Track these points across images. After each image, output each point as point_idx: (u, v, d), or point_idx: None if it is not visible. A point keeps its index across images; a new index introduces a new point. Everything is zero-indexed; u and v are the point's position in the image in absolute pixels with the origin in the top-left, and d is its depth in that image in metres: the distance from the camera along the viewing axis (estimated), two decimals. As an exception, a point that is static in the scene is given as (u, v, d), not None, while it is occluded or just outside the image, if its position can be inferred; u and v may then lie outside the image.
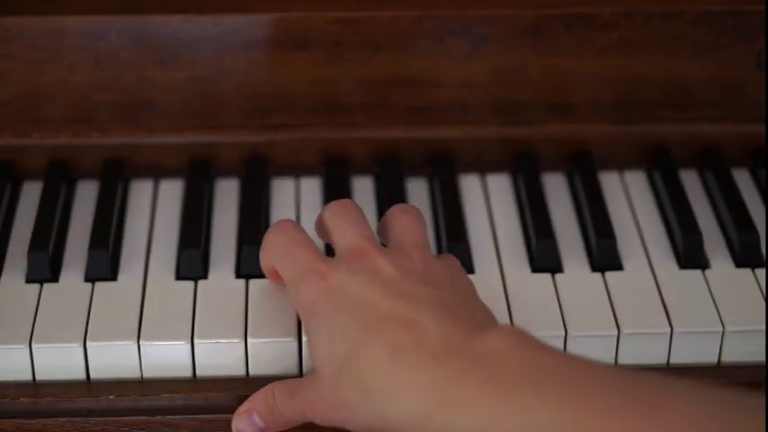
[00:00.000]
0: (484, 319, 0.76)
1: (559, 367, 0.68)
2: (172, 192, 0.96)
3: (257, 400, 0.79)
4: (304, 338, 0.83)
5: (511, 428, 0.66)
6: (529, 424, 0.66)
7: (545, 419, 0.65)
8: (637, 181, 0.98)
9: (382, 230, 0.82)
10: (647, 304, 0.86)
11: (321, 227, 0.83)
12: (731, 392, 0.65)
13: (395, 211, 0.82)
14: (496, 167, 0.98)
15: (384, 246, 0.80)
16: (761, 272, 0.89)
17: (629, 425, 0.64)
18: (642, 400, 0.64)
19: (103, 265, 0.88)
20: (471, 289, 0.79)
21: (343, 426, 0.74)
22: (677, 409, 0.64)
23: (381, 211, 0.94)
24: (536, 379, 0.67)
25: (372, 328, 0.72)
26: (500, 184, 0.98)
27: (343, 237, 0.79)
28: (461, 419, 0.68)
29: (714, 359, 0.85)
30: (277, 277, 0.82)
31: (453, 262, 0.81)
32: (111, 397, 0.82)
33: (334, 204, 0.82)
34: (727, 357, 0.85)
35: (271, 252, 0.81)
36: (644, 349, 0.84)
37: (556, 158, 0.98)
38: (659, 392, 0.65)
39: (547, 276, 0.89)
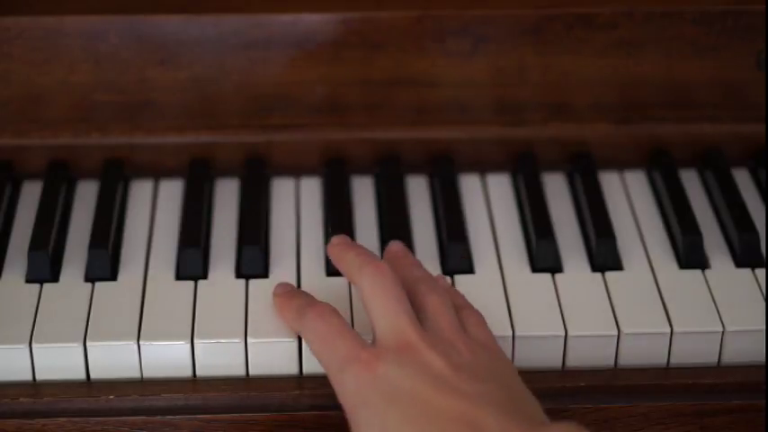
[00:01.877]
0: (536, 414, 0.74)
1: None
2: (172, 192, 0.96)
3: None
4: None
5: None
6: None
7: None
8: (637, 181, 0.98)
9: (411, 303, 0.79)
10: (647, 304, 0.86)
11: (345, 273, 0.81)
12: None
13: (422, 290, 0.80)
14: (496, 167, 0.98)
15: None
16: (761, 272, 0.89)
17: None
18: None
19: (103, 265, 0.88)
20: (515, 375, 0.77)
21: None
22: None
23: (381, 211, 0.94)
24: None
25: (429, 424, 0.71)
26: (500, 184, 0.98)
27: (385, 319, 0.77)
28: None
29: (714, 359, 0.85)
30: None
31: (494, 346, 0.79)
32: (111, 397, 0.82)
33: (370, 270, 0.79)
34: (727, 357, 0.85)
35: (308, 337, 0.79)
36: (644, 349, 0.84)
37: (556, 158, 0.98)
38: None
39: (547, 276, 0.89)
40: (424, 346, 0.75)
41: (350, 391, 0.75)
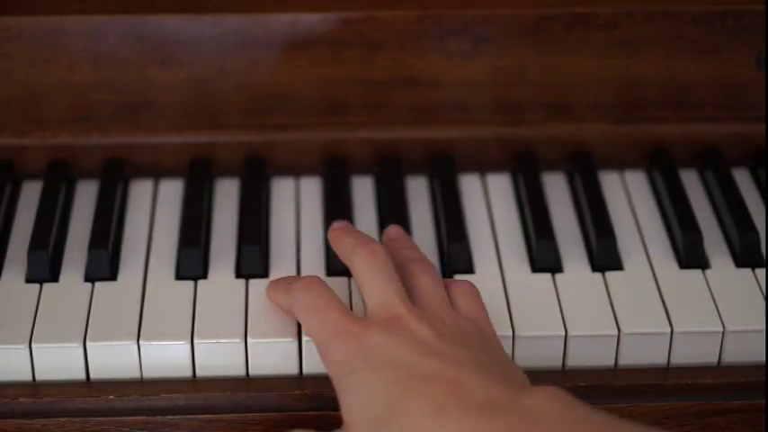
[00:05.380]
0: (519, 379, 0.76)
1: (603, 428, 0.69)
2: (172, 192, 0.96)
3: None
4: (304, 338, 0.83)
5: None
6: None
7: None
8: (637, 181, 0.98)
9: (406, 289, 0.81)
10: (647, 304, 0.86)
11: (340, 255, 0.83)
12: None
13: (414, 270, 0.82)
14: (496, 167, 0.98)
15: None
16: (761, 272, 0.89)
17: None
18: None
19: (103, 265, 0.88)
20: (501, 347, 0.79)
21: None
22: None
23: (381, 211, 0.94)
24: None
25: (414, 387, 0.72)
26: (500, 184, 0.98)
27: (375, 295, 0.78)
28: None
29: (714, 359, 0.85)
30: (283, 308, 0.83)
31: (483, 319, 0.80)
32: (111, 397, 0.82)
33: (364, 251, 0.81)
34: (728, 357, 0.85)
35: (297, 310, 0.80)
36: (644, 349, 0.84)
37: (556, 158, 0.98)
38: None
39: (547, 276, 0.89)
40: (412, 317, 0.76)
41: (338, 361, 0.76)
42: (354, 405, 0.74)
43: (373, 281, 0.79)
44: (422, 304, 0.79)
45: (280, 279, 0.86)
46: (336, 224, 0.87)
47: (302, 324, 0.80)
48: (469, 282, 0.83)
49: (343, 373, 0.75)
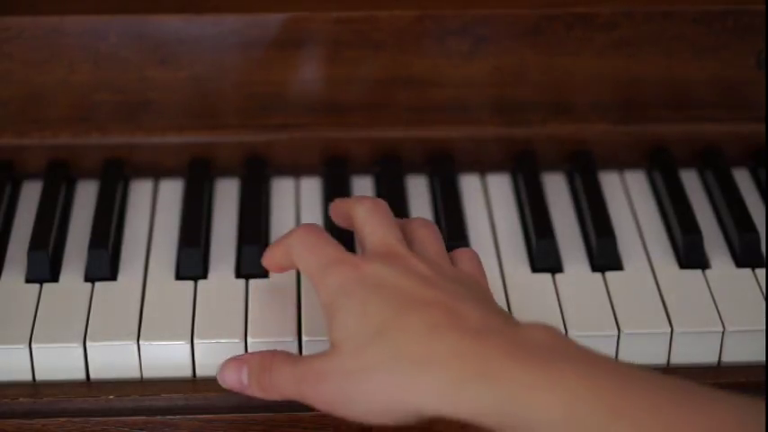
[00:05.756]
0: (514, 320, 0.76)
1: (596, 358, 0.69)
2: (172, 192, 0.96)
3: (253, 357, 0.78)
4: (304, 338, 0.83)
5: (550, 401, 0.66)
6: (568, 398, 0.66)
7: (584, 393, 0.66)
8: (637, 181, 0.98)
9: (405, 240, 0.82)
10: (648, 304, 0.86)
11: (345, 217, 0.83)
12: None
13: (416, 224, 0.82)
14: (496, 167, 0.98)
15: None
16: (761, 272, 0.89)
17: (669, 410, 0.64)
18: (685, 393, 0.66)
19: (103, 265, 0.88)
20: (498, 305, 0.79)
21: (335, 401, 0.73)
22: (712, 412, 0.64)
23: (381, 210, 0.94)
24: (575, 360, 0.68)
25: (410, 307, 0.72)
26: (500, 184, 0.98)
27: (375, 234, 0.79)
28: (494, 389, 0.68)
29: (714, 359, 0.85)
30: (281, 271, 0.82)
31: (481, 278, 0.81)
32: (111, 397, 0.82)
33: (367, 201, 0.81)
34: (728, 357, 0.85)
35: (295, 248, 0.79)
36: (644, 349, 0.84)
37: (556, 158, 0.98)
38: (699, 392, 0.66)
39: (547, 276, 0.89)
40: (411, 256, 0.77)
41: (332, 287, 0.75)
42: (344, 324, 0.73)
43: (374, 223, 0.79)
44: (419, 252, 0.79)
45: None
46: (336, 199, 0.87)
47: (299, 263, 0.79)
48: (472, 249, 0.83)
49: (337, 297, 0.75)
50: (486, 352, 0.69)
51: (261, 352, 0.78)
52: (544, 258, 0.89)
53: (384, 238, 0.78)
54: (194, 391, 0.83)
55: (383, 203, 0.81)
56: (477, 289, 0.77)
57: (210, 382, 0.83)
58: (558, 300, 0.86)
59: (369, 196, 0.84)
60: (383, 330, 0.72)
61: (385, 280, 0.74)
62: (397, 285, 0.74)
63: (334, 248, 0.78)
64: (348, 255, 0.77)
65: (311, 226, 0.80)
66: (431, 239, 0.81)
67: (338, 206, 0.85)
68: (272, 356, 0.77)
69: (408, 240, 0.80)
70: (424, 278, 0.75)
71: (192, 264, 0.88)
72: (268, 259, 0.84)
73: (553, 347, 0.69)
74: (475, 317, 0.72)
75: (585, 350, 0.70)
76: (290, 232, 0.81)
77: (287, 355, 0.77)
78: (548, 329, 0.71)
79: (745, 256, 0.90)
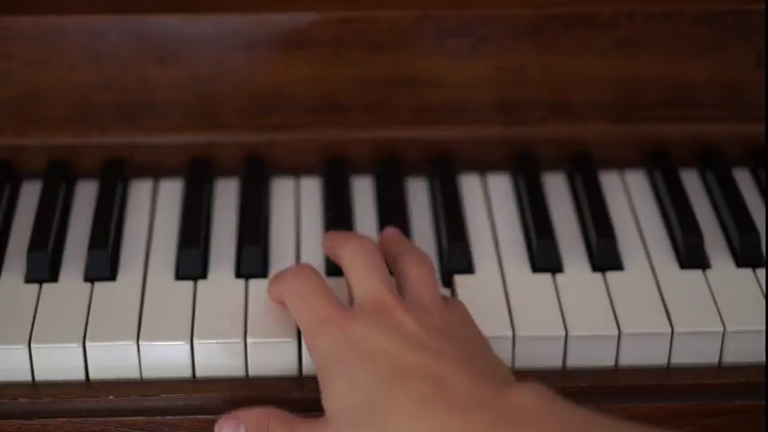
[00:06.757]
0: (506, 377, 0.76)
1: (587, 426, 0.69)
2: (172, 192, 0.96)
3: (250, 416, 0.78)
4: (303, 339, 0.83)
5: None
6: None
7: None
8: (637, 181, 0.98)
9: (396, 278, 0.82)
10: (648, 304, 0.86)
11: (334, 256, 0.83)
12: None
13: (408, 259, 0.82)
14: (496, 167, 0.98)
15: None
16: (761, 272, 0.89)
17: None
18: None
19: (103, 265, 0.88)
20: (487, 344, 0.79)
21: None
22: None
23: (381, 211, 0.94)
24: (566, 427, 0.68)
25: (398, 380, 0.72)
26: (500, 184, 0.98)
27: (362, 285, 0.79)
28: None
29: (714, 359, 0.85)
30: (282, 304, 0.83)
31: (466, 316, 0.81)
32: (111, 397, 0.82)
33: (353, 242, 0.81)
34: (728, 357, 0.85)
35: (287, 297, 0.80)
36: (644, 349, 0.84)
37: (556, 158, 0.98)
38: None
39: (547, 276, 0.89)
40: (399, 308, 0.76)
41: (323, 351, 0.76)
42: (337, 394, 0.74)
43: (360, 270, 0.79)
44: (410, 295, 0.79)
45: (276, 272, 0.85)
46: (329, 232, 0.87)
47: (291, 312, 0.80)
48: (460, 302, 0.82)
49: (327, 363, 0.75)
50: (473, 429, 0.69)
51: (257, 411, 0.79)
52: (544, 258, 0.89)
53: (371, 290, 0.78)
54: (194, 391, 0.83)
55: (368, 242, 0.81)
56: (466, 342, 0.77)
57: (210, 382, 0.83)
58: (559, 300, 0.86)
59: (357, 235, 0.84)
60: (374, 405, 0.72)
61: (372, 343, 0.74)
62: (384, 350, 0.74)
63: (323, 300, 0.78)
64: (336, 309, 0.77)
65: (303, 269, 0.81)
66: (425, 285, 0.80)
67: (329, 241, 0.85)
68: (269, 417, 0.78)
69: (400, 280, 0.80)
70: (411, 338, 0.74)
71: (192, 264, 0.88)
72: (269, 293, 0.85)
73: (543, 414, 0.69)
74: (464, 384, 0.71)
75: (579, 412, 0.70)
76: (286, 272, 0.81)
77: (284, 417, 0.78)
78: (539, 393, 0.70)
79: (746, 256, 0.90)
